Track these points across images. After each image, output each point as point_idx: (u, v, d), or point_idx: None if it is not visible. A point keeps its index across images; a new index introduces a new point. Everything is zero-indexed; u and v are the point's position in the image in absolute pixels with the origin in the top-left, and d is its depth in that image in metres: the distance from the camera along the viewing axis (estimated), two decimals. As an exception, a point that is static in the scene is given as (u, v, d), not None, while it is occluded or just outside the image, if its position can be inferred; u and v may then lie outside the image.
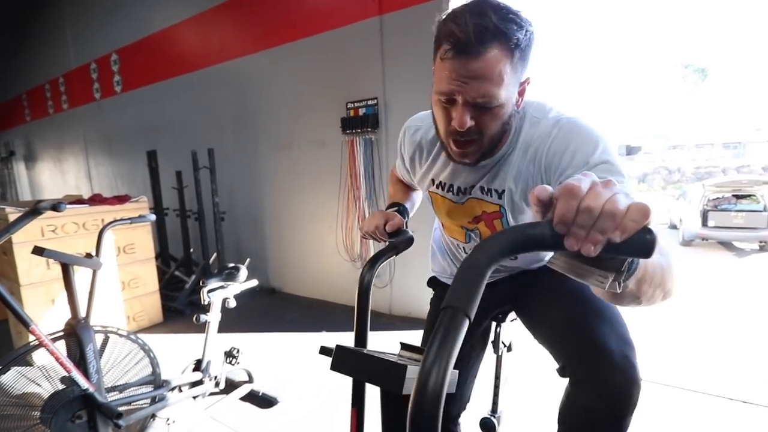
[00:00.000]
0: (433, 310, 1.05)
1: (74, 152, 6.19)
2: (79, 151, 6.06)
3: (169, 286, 3.59)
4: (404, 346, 0.56)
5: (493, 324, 1.03)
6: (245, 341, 2.55)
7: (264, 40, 3.38)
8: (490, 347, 1.06)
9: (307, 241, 3.49)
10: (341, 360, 0.48)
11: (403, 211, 1.02)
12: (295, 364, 2.32)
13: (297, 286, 3.65)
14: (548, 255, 0.77)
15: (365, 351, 0.48)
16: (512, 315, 1.02)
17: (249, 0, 3.41)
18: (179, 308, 3.17)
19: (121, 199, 2.91)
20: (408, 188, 1.13)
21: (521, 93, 0.73)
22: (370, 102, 2.87)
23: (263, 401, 1.88)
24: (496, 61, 0.64)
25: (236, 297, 1.80)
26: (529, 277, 0.98)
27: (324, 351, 0.57)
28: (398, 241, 0.85)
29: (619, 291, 0.39)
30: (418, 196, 1.14)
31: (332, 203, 3.17)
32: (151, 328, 2.91)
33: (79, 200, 2.83)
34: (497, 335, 1.01)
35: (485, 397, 1.06)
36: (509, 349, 1.06)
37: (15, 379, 1.31)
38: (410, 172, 1.01)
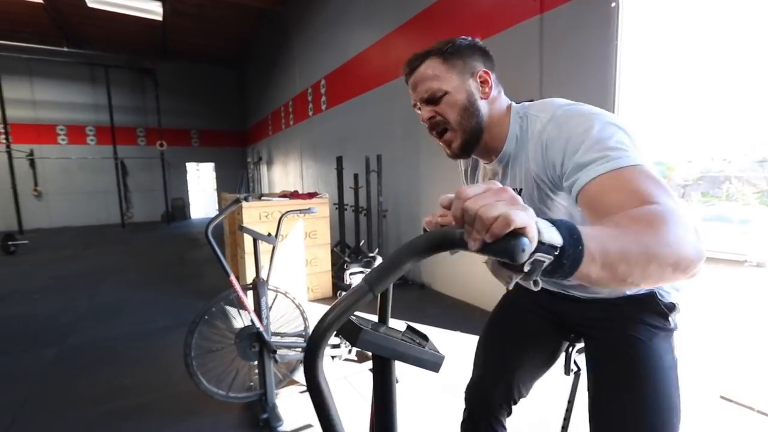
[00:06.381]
0: (497, 305, 1.09)
1: (294, 158, 8.02)
2: (297, 157, 7.82)
3: (341, 269, 4.32)
4: (409, 328, 0.67)
5: (565, 344, 0.96)
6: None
7: (430, 54, 3.68)
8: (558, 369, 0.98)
9: (456, 243, 3.62)
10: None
11: None
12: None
13: (444, 284, 3.82)
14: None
15: (354, 319, 0.62)
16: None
17: (420, 19, 3.78)
18: (343, 287, 3.81)
19: (311, 195, 3.70)
20: None
21: (483, 82, 0.83)
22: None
23: (387, 377, 2.13)
24: (427, 67, 0.82)
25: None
26: (603, 312, 0.88)
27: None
28: None
29: (535, 288, 0.44)
30: None
31: (480, 208, 3.20)
32: (323, 300, 3.61)
33: (285, 195, 3.75)
34: (568, 356, 0.93)
35: (555, 420, 0.99)
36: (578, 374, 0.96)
37: (227, 311, 1.92)
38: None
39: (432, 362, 0.59)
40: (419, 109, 0.86)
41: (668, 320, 0.82)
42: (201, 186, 13.80)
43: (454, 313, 3.29)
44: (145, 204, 11.05)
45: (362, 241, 4.48)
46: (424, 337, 0.65)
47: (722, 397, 1.92)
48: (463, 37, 0.85)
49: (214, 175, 12.57)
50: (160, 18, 7.23)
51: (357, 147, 5.10)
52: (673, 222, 0.49)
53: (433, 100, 0.82)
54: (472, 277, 3.44)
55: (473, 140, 0.84)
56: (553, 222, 0.42)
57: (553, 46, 2.55)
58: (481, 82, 0.83)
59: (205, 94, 11.75)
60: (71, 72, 9.77)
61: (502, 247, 0.38)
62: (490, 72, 0.84)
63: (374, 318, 0.69)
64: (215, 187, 12.60)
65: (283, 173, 8.90)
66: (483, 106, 0.83)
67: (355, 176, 4.44)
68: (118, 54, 9.62)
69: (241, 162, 12.63)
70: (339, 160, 4.73)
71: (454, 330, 2.87)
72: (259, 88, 10.26)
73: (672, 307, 0.82)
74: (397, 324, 0.66)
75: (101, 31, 8.65)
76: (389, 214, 4.33)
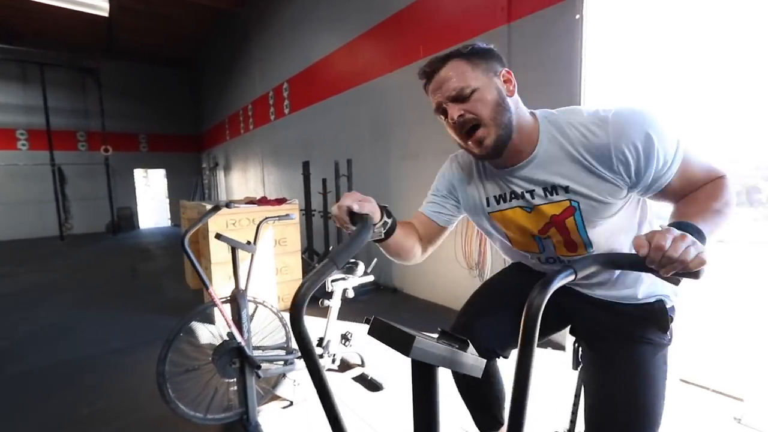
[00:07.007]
0: (501, 273, 1.17)
1: (254, 164, 7.76)
2: (257, 162, 7.57)
3: (311, 277, 4.22)
4: (442, 332, 0.65)
5: (573, 339, 0.99)
6: (363, 330, 2.84)
7: (399, 59, 3.71)
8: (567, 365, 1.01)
9: (428, 247, 3.65)
10: (374, 328, 0.60)
11: (389, 211, 0.90)
12: (403, 358, 2.48)
13: (416, 287, 3.84)
14: (627, 290, 0.92)
15: (393, 324, 0.59)
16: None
17: (389, 24, 3.80)
18: (315, 295, 3.71)
19: (279, 201, 3.58)
20: (412, 228, 1.02)
21: (506, 81, 0.85)
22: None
23: (371, 385, 2.09)
24: (454, 66, 0.82)
25: (363, 292, 2.05)
26: (608, 318, 0.93)
27: (367, 321, 0.68)
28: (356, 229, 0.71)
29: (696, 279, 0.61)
30: (412, 242, 0.99)
31: (452, 211, 3.25)
32: (295, 309, 3.49)
33: (251, 201, 3.60)
34: (576, 351, 0.97)
35: (562, 413, 1.01)
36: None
37: (198, 328, 1.79)
38: (455, 202, 1.01)
39: (476, 367, 0.58)
40: (441, 113, 0.85)
41: (668, 333, 0.89)
42: (151, 194, 12.98)
43: (428, 315, 3.31)
44: (87, 214, 10.19)
45: (331, 247, 4.40)
46: (464, 342, 0.63)
47: (682, 380, 2.07)
48: (479, 43, 0.86)
49: (165, 182, 11.86)
50: (105, 14, 6.73)
51: (323, 152, 5.03)
52: (726, 188, 0.77)
53: (461, 97, 0.81)
54: (442, 279, 3.48)
55: (506, 136, 0.83)
56: (686, 228, 0.64)
57: (520, 54, 2.66)
58: (504, 81, 0.84)
59: (154, 96, 11.08)
60: (-2, 70, 8.85)
61: (692, 274, 0.59)
62: (511, 72, 0.86)
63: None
64: (167, 194, 11.89)
65: (243, 179, 8.58)
66: (511, 103, 0.84)
67: (324, 181, 4.37)
68: (55, 51, 8.84)
69: (195, 168, 12.02)
70: (306, 165, 4.63)
71: (431, 332, 2.87)
72: (215, 91, 9.84)
73: (672, 319, 0.89)
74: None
75: (36, 25, 7.91)
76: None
